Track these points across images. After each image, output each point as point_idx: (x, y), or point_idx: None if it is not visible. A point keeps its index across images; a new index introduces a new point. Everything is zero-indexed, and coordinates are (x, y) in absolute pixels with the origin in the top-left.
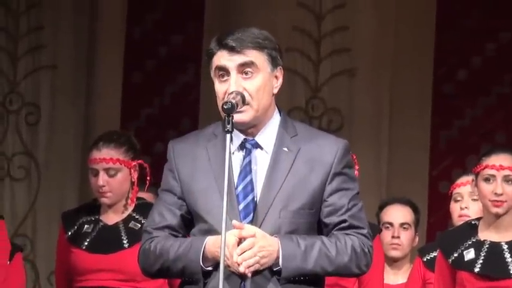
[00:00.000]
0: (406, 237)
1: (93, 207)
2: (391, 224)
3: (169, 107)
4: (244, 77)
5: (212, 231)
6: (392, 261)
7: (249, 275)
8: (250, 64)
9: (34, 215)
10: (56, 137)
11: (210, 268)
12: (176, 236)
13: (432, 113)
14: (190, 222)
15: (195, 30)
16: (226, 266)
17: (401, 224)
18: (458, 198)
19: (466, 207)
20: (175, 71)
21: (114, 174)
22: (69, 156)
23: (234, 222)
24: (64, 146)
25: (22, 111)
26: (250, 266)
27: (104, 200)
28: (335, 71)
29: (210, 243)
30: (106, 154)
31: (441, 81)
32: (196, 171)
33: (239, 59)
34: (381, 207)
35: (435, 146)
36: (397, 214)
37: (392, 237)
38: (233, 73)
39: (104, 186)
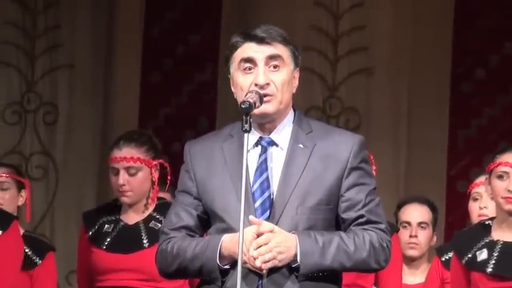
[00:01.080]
0: (423, 237)
1: (113, 206)
2: (408, 223)
3: (186, 106)
4: (272, 69)
5: (229, 229)
6: (410, 261)
7: (265, 271)
8: (277, 57)
9: (52, 215)
10: (74, 136)
11: (227, 266)
12: (193, 237)
13: (450, 112)
14: (207, 222)
15: (213, 30)
16: (243, 263)
17: (419, 223)
18: (477, 198)
19: (485, 207)
20: (193, 70)
21: (134, 173)
22: (87, 156)
23: (251, 217)
24: (82, 145)
25: (40, 110)
26: (266, 261)
27: (125, 200)
28: (352, 70)
29: (227, 240)
30: (127, 153)
31: (459, 80)
32: (213, 171)
33: (268, 50)
34: (399, 206)
35: (453, 145)
36: (415, 213)
37: (410, 236)
38: (261, 64)
39: (124, 185)
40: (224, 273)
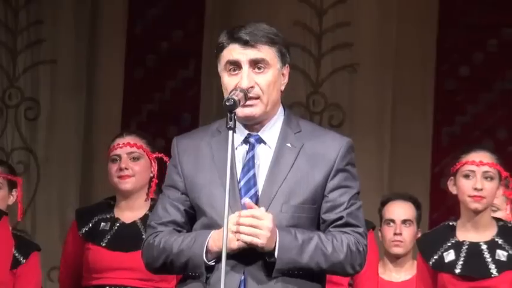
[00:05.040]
0: (408, 234)
1: (107, 205)
2: (392, 220)
3: (169, 102)
4: (257, 71)
5: (215, 225)
6: (395, 258)
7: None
8: (261, 60)
9: (33, 211)
10: (56, 132)
11: (212, 263)
12: (180, 232)
13: (434, 109)
14: (193, 217)
15: (196, 26)
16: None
17: (404, 221)
18: None
19: None
20: (176, 66)
21: (137, 158)
22: (69, 152)
23: (247, 200)
24: (64, 141)
25: (21, 106)
26: (249, 235)
27: (125, 186)
28: (336, 66)
29: (214, 237)
30: (130, 139)
31: (443, 77)
32: (200, 166)
33: (252, 53)
34: (383, 204)
35: (437, 142)
36: (399, 211)
37: (395, 234)
38: (245, 67)
39: (127, 169)
40: (210, 269)
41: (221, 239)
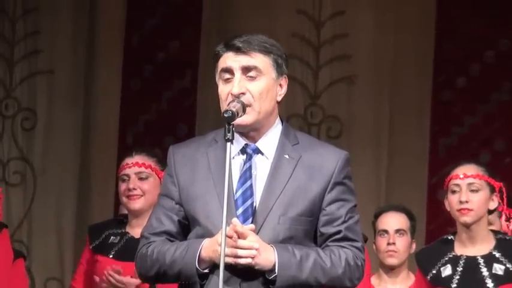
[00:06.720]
0: (402, 244)
1: (120, 222)
2: (386, 231)
3: (166, 112)
4: (249, 78)
5: (209, 236)
6: (390, 269)
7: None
8: (253, 67)
9: (30, 221)
10: (53, 142)
11: (206, 270)
12: (173, 242)
13: (431, 120)
14: (187, 227)
15: (193, 37)
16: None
17: (397, 231)
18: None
19: None
20: (173, 77)
21: (145, 178)
22: (65, 162)
23: (234, 220)
24: (61, 151)
25: (18, 116)
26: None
27: (133, 206)
28: (334, 78)
29: (206, 245)
30: (138, 159)
31: (440, 88)
32: (196, 176)
33: (244, 60)
34: (376, 216)
35: (434, 153)
36: (392, 221)
37: (388, 244)
38: (237, 74)
39: (135, 189)
40: (203, 277)
41: (212, 247)
